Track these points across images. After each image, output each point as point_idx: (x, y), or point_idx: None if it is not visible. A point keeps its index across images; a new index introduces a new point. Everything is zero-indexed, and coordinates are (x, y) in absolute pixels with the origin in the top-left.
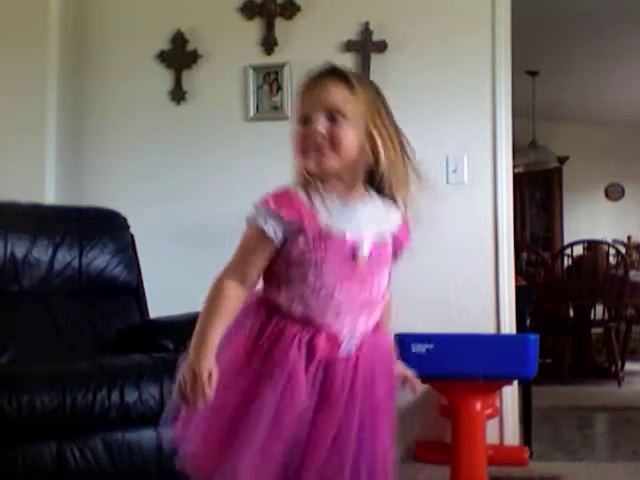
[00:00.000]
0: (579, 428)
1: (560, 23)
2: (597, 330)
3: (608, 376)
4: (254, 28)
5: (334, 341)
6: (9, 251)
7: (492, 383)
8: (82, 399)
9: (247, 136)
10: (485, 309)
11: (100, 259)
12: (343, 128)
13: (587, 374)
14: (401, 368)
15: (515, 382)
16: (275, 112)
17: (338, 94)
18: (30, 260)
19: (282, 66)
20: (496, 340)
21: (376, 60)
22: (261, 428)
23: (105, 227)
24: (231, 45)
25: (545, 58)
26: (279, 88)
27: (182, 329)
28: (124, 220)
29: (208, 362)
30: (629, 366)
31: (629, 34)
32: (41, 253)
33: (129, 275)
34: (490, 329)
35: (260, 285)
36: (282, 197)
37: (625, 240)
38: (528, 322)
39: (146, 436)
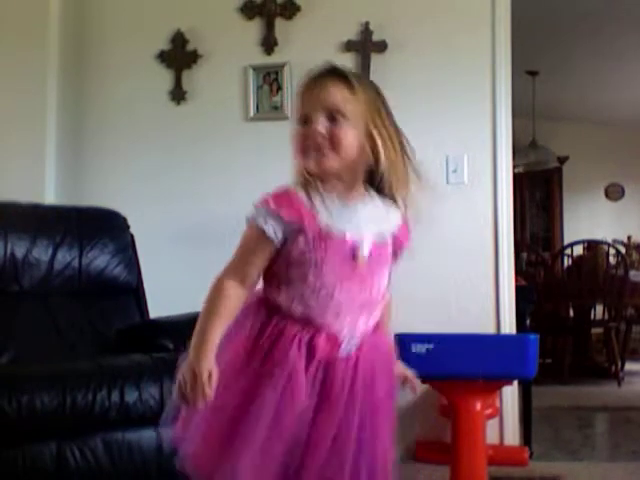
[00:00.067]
0: (579, 428)
1: (560, 23)
2: (597, 330)
3: (608, 376)
4: (254, 28)
5: (334, 341)
6: (9, 251)
7: (492, 383)
8: (82, 399)
9: (247, 136)
10: (485, 309)
11: (100, 259)
12: (343, 128)
13: (587, 374)
14: (401, 368)
15: (515, 382)
16: (275, 112)
17: (338, 94)
18: (30, 260)
19: (282, 66)
20: (496, 340)
21: (376, 60)
22: (261, 428)
23: (105, 227)
24: (231, 45)
25: (545, 58)
26: (279, 88)
27: (182, 329)
28: (124, 220)
29: (208, 362)
30: (629, 366)
31: (629, 34)
32: (41, 253)
33: (129, 275)
34: (490, 329)
35: (260, 285)
36: (282, 197)
37: (625, 240)
38: (528, 322)
39: (146, 436)
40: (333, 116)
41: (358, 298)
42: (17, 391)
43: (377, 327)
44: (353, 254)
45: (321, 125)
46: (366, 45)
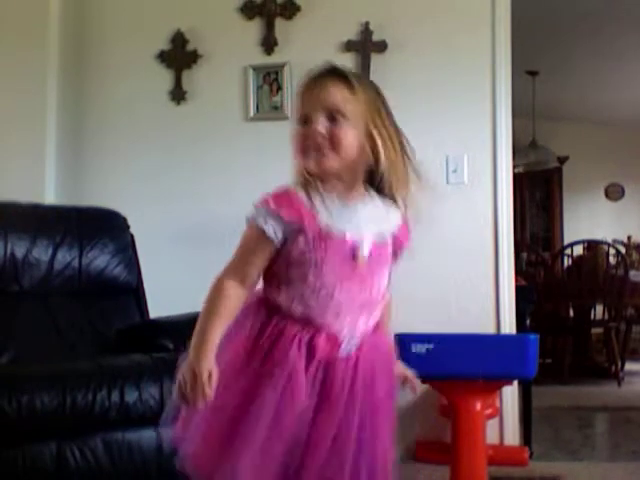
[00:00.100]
0: (579, 428)
1: (560, 23)
2: (597, 330)
3: (608, 376)
4: (254, 28)
5: (334, 341)
6: (9, 251)
7: (492, 383)
8: (82, 399)
9: (247, 136)
10: (485, 309)
11: (100, 259)
12: (343, 128)
13: (587, 374)
14: (401, 368)
15: (515, 382)
16: (275, 112)
17: (338, 94)
18: (30, 260)
19: (282, 66)
20: (496, 340)
21: (376, 60)
22: (261, 428)
23: (105, 227)
24: (231, 45)
25: (545, 58)
26: (279, 88)
27: (182, 329)
28: (124, 220)
29: (208, 362)
30: (629, 366)
31: (629, 34)
32: (41, 253)
33: (129, 275)
34: (490, 329)
35: (260, 285)
36: (282, 197)
37: (625, 240)
38: (528, 322)
39: (146, 436)
40: (333, 116)
41: (358, 298)
42: (17, 391)
43: (377, 327)
44: (353, 254)
45: (321, 125)
46: (366, 45)
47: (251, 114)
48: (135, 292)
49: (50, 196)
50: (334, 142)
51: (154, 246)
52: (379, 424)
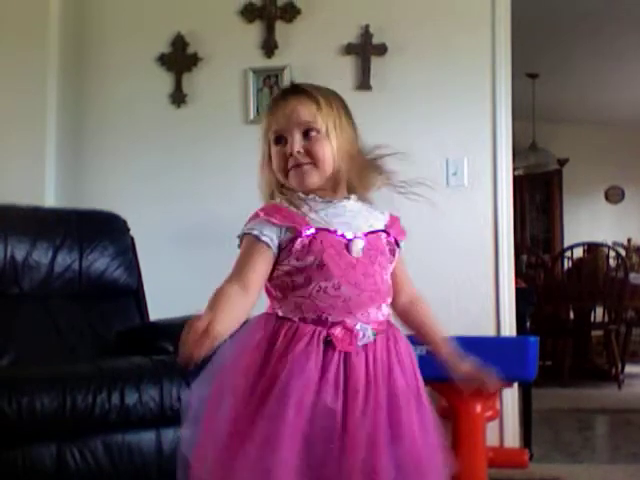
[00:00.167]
0: (579, 430)
1: (560, 23)
2: (597, 332)
3: (608, 378)
4: (254, 31)
5: (350, 333)
6: (9, 254)
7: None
8: (82, 401)
9: (247, 139)
10: (485, 309)
11: (100, 262)
12: (319, 142)
13: (587, 376)
14: (468, 366)
15: (515, 384)
16: None
17: (306, 110)
18: (30, 263)
19: (282, 69)
20: (496, 342)
21: (376, 63)
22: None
23: (105, 230)
24: (231, 48)
25: (545, 59)
26: None
27: (182, 331)
28: (124, 223)
29: (220, 325)
30: (629, 369)
31: (629, 34)
32: (41, 256)
33: (129, 278)
34: (490, 330)
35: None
36: (270, 208)
37: (625, 243)
38: (528, 324)
39: (146, 438)
40: (307, 133)
41: (365, 289)
42: (17, 393)
43: (390, 324)
44: (349, 249)
45: (298, 144)
46: (366, 48)
47: (251, 117)
48: (135, 294)
49: (50, 196)
50: (313, 158)
51: (154, 246)
52: (401, 417)
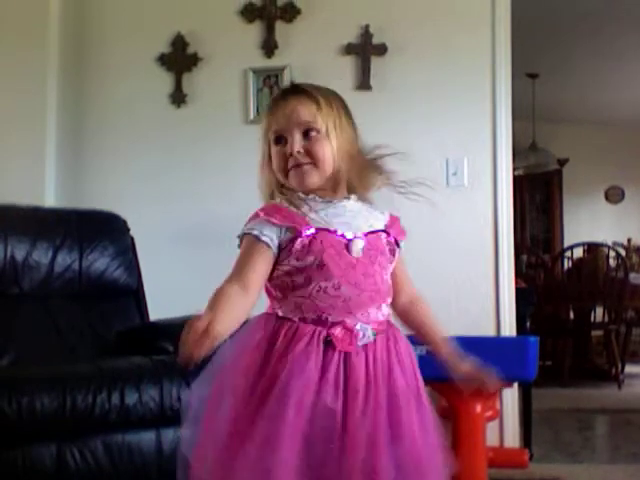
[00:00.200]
0: (579, 430)
1: (560, 23)
2: (597, 332)
3: (608, 378)
4: (254, 31)
5: (350, 333)
6: (9, 254)
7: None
8: (82, 401)
9: (247, 139)
10: (485, 309)
11: (100, 262)
12: (319, 142)
13: (587, 376)
14: (468, 366)
15: (515, 384)
16: None
17: (306, 110)
18: (30, 263)
19: (282, 69)
20: (496, 342)
21: (376, 63)
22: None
23: (105, 230)
24: (231, 48)
25: (545, 59)
26: None
27: (182, 331)
28: (124, 223)
29: (220, 325)
30: (629, 369)
31: (629, 34)
32: (41, 256)
33: (129, 278)
34: (490, 330)
35: (267, 303)
36: (270, 208)
37: (625, 243)
38: (528, 324)
39: (146, 438)
40: (307, 133)
41: (365, 289)
42: (17, 393)
43: (390, 324)
44: (349, 249)
45: (298, 144)
46: (366, 48)
47: (251, 117)
48: (135, 294)
49: (50, 196)
50: (313, 158)
51: (154, 246)
52: (401, 417)
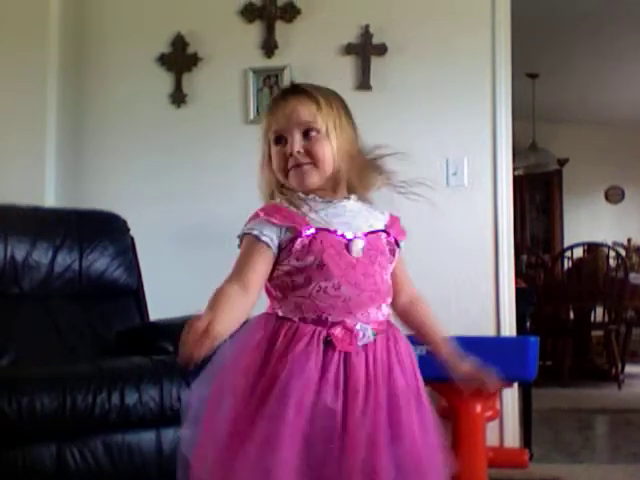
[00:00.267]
0: (579, 430)
1: (560, 23)
2: (597, 333)
3: (608, 379)
4: (254, 31)
5: (350, 333)
6: (9, 254)
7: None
8: (82, 401)
9: (247, 139)
10: (485, 309)
11: (100, 262)
12: (319, 142)
13: (587, 376)
14: (468, 366)
15: (515, 384)
16: None
17: (307, 111)
18: (30, 263)
19: (282, 69)
20: (496, 342)
21: (376, 63)
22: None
23: (105, 230)
24: (231, 48)
25: (545, 59)
26: None
27: (182, 331)
28: (124, 223)
29: (220, 325)
30: (629, 369)
31: (629, 34)
32: (41, 256)
33: (129, 278)
34: (490, 329)
35: (267, 303)
36: (270, 208)
37: (625, 243)
38: (528, 324)
39: (146, 438)
40: (307, 133)
41: (365, 289)
42: (17, 393)
43: (390, 324)
44: (349, 249)
45: (298, 144)
46: (366, 48)
47: (251, 117)
48: (135, 294)
49: (50, 196)
50: (314, 158)
51: (154, 246)
52: (401, 416)
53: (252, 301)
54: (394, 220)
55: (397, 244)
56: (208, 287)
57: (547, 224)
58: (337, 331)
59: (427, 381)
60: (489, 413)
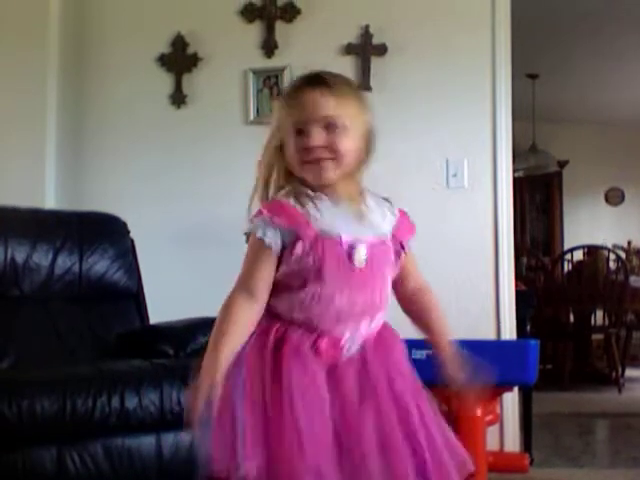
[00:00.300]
0: (579, 435)
1: (560, 23)
2: (597, 336)
3: (608, 382)
4: (254, 31)
5: (337, 344)
6: (9, 256)
7: (492, 389)
8: (82, 404)
9: (247, 139)
10: (485, 310)
11: (100, 264)
12: (340, 136)
13: (587, 380)
14: (465, 369)
15: (515, 388)
16: None
17: (328, 103)
18: (30, 265)
19: (282, 69)
20: (496, 346)
21: (376, 63)
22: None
23: (105, 232)
24: (231, 48)
25: (545, 59)
26: (279, 92)
27: (182, 335)
28: (124, 225)
29: (215, 383)
30: (629, 372)
31: (629, 34)
32: (41, 258)
33: (129, 280)
34: (490, 330)
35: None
36: (275, 206)
37: (625, 245)
38: (528, 327)
39: (146, 442)
40: (328, 126)
41: (359, 303)
42: (17, 396)
43: (385, 327)
44: (351, 257)
45: (320, 138)
46: (366, 48)
47: (251, 117)
48: (135, 297)
49: (50, 196)
50: (335, 152)
51: (154, 247)
52: (393, 427)
53: (260, 310)
54: (402, 217)
55: (402, 246)
56: (208, 288)
57: (547, 226)
58: (324, 340)
59: (427, 385)
60: (489, 417)
